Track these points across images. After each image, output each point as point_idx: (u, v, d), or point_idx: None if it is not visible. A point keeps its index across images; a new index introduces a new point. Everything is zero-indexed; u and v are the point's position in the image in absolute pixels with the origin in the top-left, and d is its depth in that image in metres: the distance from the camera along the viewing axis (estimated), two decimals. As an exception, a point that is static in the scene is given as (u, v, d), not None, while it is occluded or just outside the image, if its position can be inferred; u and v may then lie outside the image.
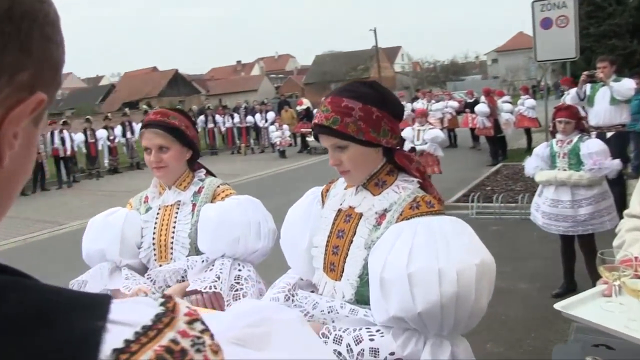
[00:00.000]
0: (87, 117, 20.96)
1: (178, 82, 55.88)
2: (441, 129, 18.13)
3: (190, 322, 0.60)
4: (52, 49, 0.64)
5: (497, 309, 5.23)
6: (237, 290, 2.39)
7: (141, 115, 21.24)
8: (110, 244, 2.57)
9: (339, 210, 1.97)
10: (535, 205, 5.62)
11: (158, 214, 2.66)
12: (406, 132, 9.84)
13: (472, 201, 9.21)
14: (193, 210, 2.60)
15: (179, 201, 2.62)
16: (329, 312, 1.79)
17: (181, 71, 60.40)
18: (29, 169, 0.68)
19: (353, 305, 1.79)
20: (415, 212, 1.78)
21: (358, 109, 1.79)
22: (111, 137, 19.01)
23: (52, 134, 17.48)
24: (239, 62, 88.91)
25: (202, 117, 22.61)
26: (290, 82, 66.69)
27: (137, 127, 19.55)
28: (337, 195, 2.02)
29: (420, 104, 18.65)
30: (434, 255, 1.60)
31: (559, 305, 1.89)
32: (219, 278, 2.35)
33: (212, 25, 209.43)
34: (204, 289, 2.33)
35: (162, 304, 0.62)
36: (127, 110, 21.94)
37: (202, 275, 2.40)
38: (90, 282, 2.57)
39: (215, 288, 2.33)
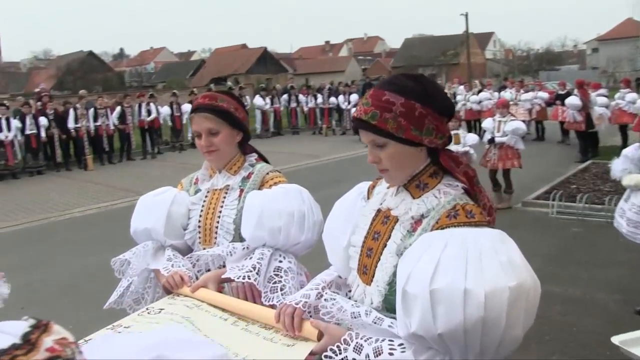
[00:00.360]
0: (174, 91, 21.50)
1: (266, 60, 56.60)
2: (529, 121, 17.61)
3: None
4: None
5: (568, 318, 4.91)
6: (275, 282, 2.31)
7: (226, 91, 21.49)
8: (156, 224, 2.59)
9: (378, 210, 1.85)
10: (620, 211, 5.16)
11: (206, 197, 2.65)
12: (486, 123, 9.50)
13: (554, 199, 8.73)
14: (240, 195, 2.57)
15: (228, 185, 2.61)
16: (353, 318, 1.67)
17: (270, 49, 61.05)
18: None
19: (380, 313, 1.67)
20: (451, 221, 1.62)
21: (399, 104, 1.65)
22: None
23: (139, 106, 18.05)
24: (327, 42, 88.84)
25: (285, 97, 22.71)
26: (377, 64, 66.11)
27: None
28: (379, 194, 1.89)
29: (508, 94, 17.95)
30: (462, 272, 1.44)
31: (617, 340, 1.65)
32: (254, 268, 2.28)
33: (302, 5, 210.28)
34: (238, 278, 2.26)
35: (23, 336, 0.64)
36: (212, 86, 22.29)
37: (241, 263, 2.33)
38: (133, 261, 2.59)
39: (249, 278, 2.25)
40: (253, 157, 2.70)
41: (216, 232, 2.57)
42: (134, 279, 2.63)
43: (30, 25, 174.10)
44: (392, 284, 1.65)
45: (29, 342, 0.66)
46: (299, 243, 2.39)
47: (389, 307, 1.67)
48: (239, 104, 2.62)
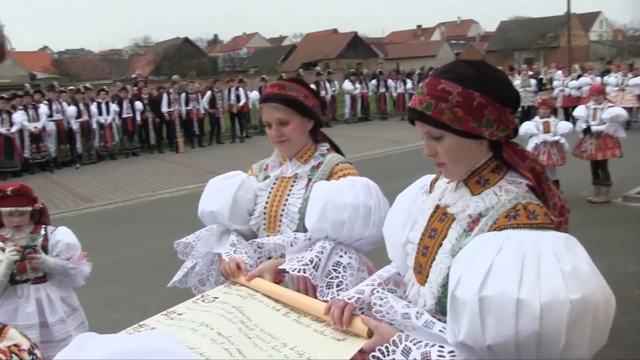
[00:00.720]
0: (263, 76, 21.76)
1: (357, 45, 56.32)
2: (638, 108, 16.47)
3: None
4: None
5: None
6: (332, 277, 2.24)
7: (314, 76, 21.55)
8: (222, 208, 2.59)
9: (437, 206, 1.74)
10: None
11: (274, 184, 2.64)
12: (579, 111, 8.92)
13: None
14: (307, 185, 2.52)
15: (297, 174, 2.59)
16: (404, 319, 1.58)
17: (360, 34, 60.68)
18: None
19: (434, 316, 1.56)
20: (510, 222, 1.48)
21: (456, 93, 1.54)
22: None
23: (229, 90, 18.38)
24: (419, 26, 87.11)
25: (374, 82, 22.47)
26: (471, 48, 64.28)
27: (309, 88, 19.93)
28: (439, 189, 1.78)
29: (612, 79, 16.94)
30: (516, 280, 1.30)
31: None
32: (312, 262, 2.21)
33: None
34: (293, 270, 2.21)
35: None
36: (300, 70, 22.38)
37: (301, 255, 2.29)
38: (198, 244, 2.61)
39: (305, 272, 2.19)
40: (325, 146, 2.66)
41: (280, 220, 2.55)
42: (198, 260, 2.65)
43: (132, 15, 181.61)
44: (445, 286, 1.55)
45: None
46: (363, 238, 2.30)
47: (442, 310, 1.55)
48: (309, 92, 2.57)
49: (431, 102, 1.55)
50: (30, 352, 0.68)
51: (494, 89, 1.56)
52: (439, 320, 1.52)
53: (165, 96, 17.22)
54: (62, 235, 3.80)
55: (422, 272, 1.69)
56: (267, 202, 2.61)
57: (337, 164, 2.54)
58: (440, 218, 1.70)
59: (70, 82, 24.94)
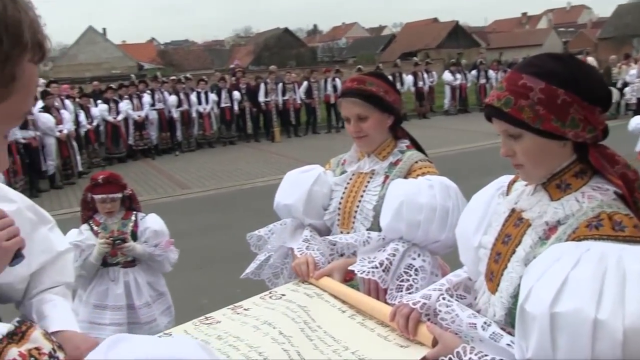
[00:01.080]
0: (359, 66, 21.66)
1: (458, 34, 55.02)
2: None
3: None
4: None
5: None
6: (402, 280, 2.14)
7: (412, 66, 21.21)
8: (296, 201, 2.58)
9: (513, 210, 1.63)
10: None
11: (351, 179, 2.60)
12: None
13: None
14: (384, 182, 2.46)
15: (374, 170, 2.53)
16: (469, 329, 1.48)
17: (462, 23, 59.24)
18: None
19: (503, 328, 1.45)
20: (591, 232, 1.35)
21: (539, 89, 1.42)
22: (380, 87, 19.30)
23: (325, 81, 18.43)
24: (524, 14, 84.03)
25: (474, 72, 21.80)
26: (581, 36, 61.10)
27: (406, 78, 19.65)
28: (517, 191, 1.65)
29: None
30: (595, 298, 1.17)
31: None
32: (381, 264, 2.13)
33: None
34: (361, 272, 2.13)
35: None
36: (397, 61, 22.06)
37: (373, 255, 2.21)
38: (272, 237, 2.62)
39: (373, 275, 2.11)
40: (404, 143, 2.58)
41: (354, 217, 2.49)
42: (271, 253, 2.65)
43: (234, 7, 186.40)
44: (516, 297, 1.42)
45: None
46: (439, 241, 2.20)
47: (513, 322, 1.42)
48: (389, 86, 2.52)
49: (510, 99, 1.45)
50: (51, 356, 0.69)
51: (581, 85, 1.42)
52: (508, 333, 1.41)
53: (262, 86, 17.48)
54: (150, 222, 3.92)
55: (493, 279, 1.59)
56: (342, 198, 2.58)
57: (416, 162, 2.46)
58: (515, 223, 1.59)
59: (174, 72, 25.86)
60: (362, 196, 2.50)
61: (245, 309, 2.02)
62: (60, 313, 1.83)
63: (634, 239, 1.30)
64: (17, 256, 1.55)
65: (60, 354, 0.69)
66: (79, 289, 3.88)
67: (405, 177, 2.41)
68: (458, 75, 21.06)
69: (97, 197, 3.79)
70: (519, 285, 1.42)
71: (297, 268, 2.30)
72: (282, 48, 52.76)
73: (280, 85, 17.84)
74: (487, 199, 1.78)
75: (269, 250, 2.64)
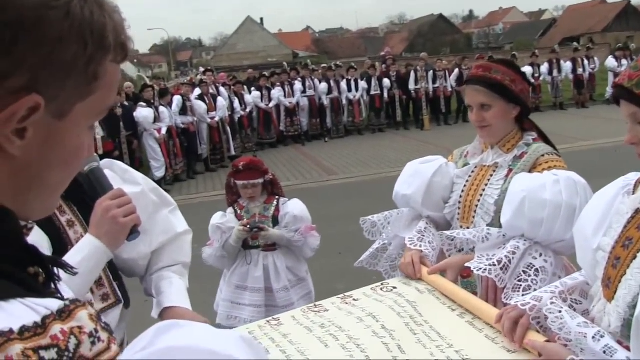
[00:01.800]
0: (514, 52, 20.62)
1: (628, 15, 50.73)
2: None
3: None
4: (57, 51, 0.70)
5: None
6: (520, 280, 2.01)
7: (570, 52, 19.84)
8: (415, 192, 2.51)
9: (637, 211, 1.48)
10: None
11: (473, 172, 2.51)
12: None
13: None
14: (507, 175, 2.34)
15: (497, 163, 2.41)
16: (578, 339, 1.36)
17: (634, 2, 54.49)
18: (56, 161, 0.77)
19: (620, 340, 1.32)
20: None
21: None
22: (535, 75, 18.33)
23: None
24: None
25: (644, 57, 19.96)
26: None
27: (564, 65, 18.47)
28: None
29: None
30: None
31: None
32: (499, 262, 2.02)
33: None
34: (477, 270, 2.03)
35: (42, 319, 0.67)
36: (556, 47, 20.74)
37: (492, 252, 2.10)
38: (387, 226, 2.60)
39: (490, 273, 2.00)
40: (531, 135, 2.45)
41: (475, 212, 2.40)
42: (385, 242, 2.61)
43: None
44: (635, 307, 1.30)
45: (41, 326, 0.66)
46: (564, 241, 2.03)
47: (630, 334, 1.30)
48: (517, 75, 2.40)
49: None
50: (92, 335, 0.72)
51: None
52: (625, 347, 1.29)
53: (412, 74, 17.27)
54: (291, 208, 3.96)
55: (610, 286, 1.45)
56: (463, 191, 2.48)
57: (543, 155, 2.32)
58: (639, 225, 1.44)
59: (328, 60, 26.33)
60: (483, 190, 2.40)
61: (354, 299, 2.02)
62: (174, 291, 1.98)
63: None
64: (132, 232, 1.72)
65: (102, 334, 0.73)
66: (225, 269, 4.03)
67: (530, 171, 2.27)
68: (624, 62, 19.31)
69: (239, 182, 3.91)
70: (638, 294, 1.32)
71: (403, 269, 2.23)
72: (436, 35, 51.98)
73: (431, 72, 17.53)
74: (610, 198, 1.62)
75: (383, 239, 2.61)
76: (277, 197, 4.05)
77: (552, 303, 1.52)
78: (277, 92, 15.73)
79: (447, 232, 2.31)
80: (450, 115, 18.06)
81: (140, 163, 12.55)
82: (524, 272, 2.03)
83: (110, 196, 1.71)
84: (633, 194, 1.55)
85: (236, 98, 14.84)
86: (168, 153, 12.11)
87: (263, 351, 0.76)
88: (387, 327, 1.78)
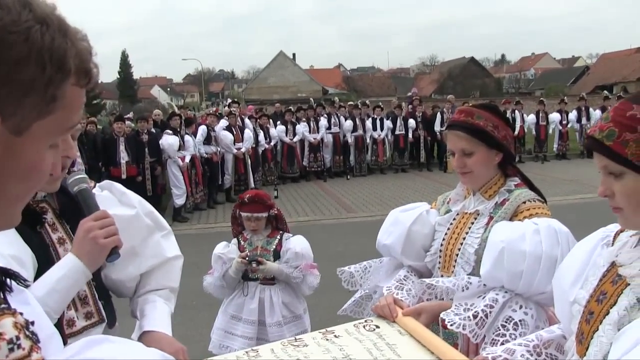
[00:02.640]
0: (541, 99, 20.57)
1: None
2: None
3: None
4: (15, 72, 0.75)
5: None
6: (499, 334, 1.93)
7: (601, 100, 19.70)
8: (394, 242, 2.47)
9: (612, 264, 1.42)
10: None
11: (454, 219, 2.42)
12: None
13: None
14: (488, 224, 2.26)
15: (478, 210, 2.34)
16: None
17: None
18: (13, 174, 0.82)
19: None
20: None
21: None
22: (564, 122, 18.24)
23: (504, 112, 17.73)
24: None
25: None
26: None
27: (594, 113, 18.32)
28: (620, 242, 1.45)
29: None
30: None
31: None
32: (475, 317, 1.94)
33: None
34: (451, 324, 1.94)
35: None
36: (583, 94, 20.61)
37: (471, 302, 2.03)
38: (367, 276, 2.56)
39: (464, 329, 1.92)
40: (514, 181, 2.37)
41: (455, 261, 2.32)
42: (367, 291, 2.56)
43: (422, 35, 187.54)
44: None
45: None
46: (545, 293, 1.95)
47: None
48: (500, 120, 2.33)
49: (614, 131, 1.28)
50: (11, 342, 0.76)
51: None
52: None
53: (439, 115, 17.29)
54: (294, 244, 3.97)
55: (583, 342, 1.40)
56: (444, 239, 2.41)
57: (524, 202, 2.24)
58: (614, 280, 1.38)
59: (357, 98, 26.54)
60: (464, 238, 2.32)
61: (335, 336, 2.00)
62: (156, 315, 2.00)
63: None
64: (112, 253, 1.75)
65: (25, 342, 0.77)
66: (224, 298, 4.07)
67: (511, 219, 2.21)
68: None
69: (243, 214, 3.95)
70: (609, 352, 1.26)
71: (378, 311, 2.14)
72: (466, 77, 52.03)
73: (457, 115, 17.49)
74: (590, 249, 1.57)
75: (363, 288, 2.56)
76: (281, 232, 4.06)
77: (521, 356, 1.48)
78: (302, 127, 15.87)
79: (427, 280, 2.23)
80: (474, 158, 17.96)
81: (163, 190, 12.72)
82: (502, 325, 1.95)
83: (94, 217, 1.75)
84: (612, 245, 1.50)
85: (261, 131, 15.02)
86: (190, 181, 12.25)
87: None
88: None
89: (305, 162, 16.23)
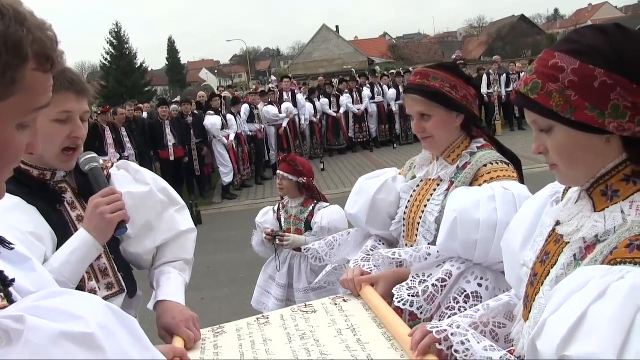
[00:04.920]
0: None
1: None
2: None
3: None
4: None
5: None
6: (448, 307, 1.89)
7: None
8: (359, 211, 2.41)
9: (558, 223, 1.34)
10: None
11: (418, 186, 2.32)
12: None
13: None
14: (448, 189, 2.14)
15: (440, 176, 2.22)
16: None
17: None
18: None
19: None
20: (632, 255, 1.07)
21: (570, 70, 1.16)
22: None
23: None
24: None
25: None
26: None
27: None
28: (567, 198, 1.36)
29: None
30: (617, 342, 0.94)
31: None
32: (424, 292, 1.90)
33: None
34: (399, 301, 1.89)
35: None
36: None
37: (429, 271, 1.99)
38: (335, 249, 2.52)
39: (411, 306, 1.87)
40: (478, 143, 2.22)
41: (417, 229, 2.23)
42: (336, 264, 2.51)
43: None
44: None
45: None
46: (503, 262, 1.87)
47: None
48: (458, 79, 2.18)
49: (537, 83, 1.20)
50: None
51: (629, 63, 1.13)
52: None
53: (485, 77, 16.94)
54: (322, 216, 3.98)
55: (527, 305, 1.34)
56: (407, 207, 2.30)
57: (485, 165, 2.10)
58: (557, 239, 1.31)
59: (404, 66, 26.22)
60: (425, 206, 2.21)
61: (344, 301, 2.03)
62: (170, 285, 2.13)
63: None
64: (120, 227, 1.89)
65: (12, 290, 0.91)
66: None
67: (471, 184, 2.08)
68: None
69: (277, 172, 4.12)
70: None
71: (345, 285, 2.11)
72: (516, 37, 50.42)
73: (504, 76, 17.10)
74: (538, 207, 1.48)
75: (332, 262, 2.51)
76: (315, 201, 4.11)
77: (457, 327, 1.43)
78: (345, 99, 15.86)
79: (384, 252, 2.14)
80: (524, 120, 17.49)
81: (211, 169, 12.96)
82: (454, 298, 1.88)
83: (102, 194, 1.89)
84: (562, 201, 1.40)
85: (311, 104, 15.26)
86: (236, 159, 12.44)
87: (131, 323, 0.85)
88: (322, 343, 1.74)
89: (351, 134, 16.25)
